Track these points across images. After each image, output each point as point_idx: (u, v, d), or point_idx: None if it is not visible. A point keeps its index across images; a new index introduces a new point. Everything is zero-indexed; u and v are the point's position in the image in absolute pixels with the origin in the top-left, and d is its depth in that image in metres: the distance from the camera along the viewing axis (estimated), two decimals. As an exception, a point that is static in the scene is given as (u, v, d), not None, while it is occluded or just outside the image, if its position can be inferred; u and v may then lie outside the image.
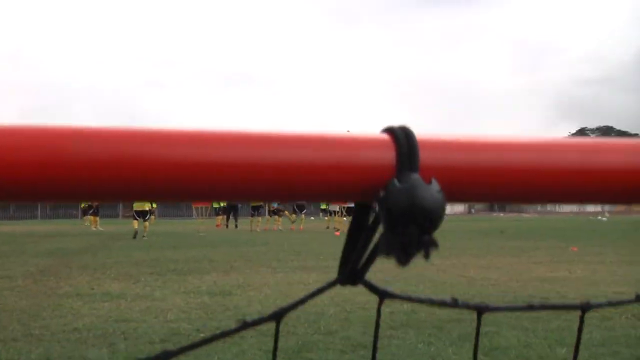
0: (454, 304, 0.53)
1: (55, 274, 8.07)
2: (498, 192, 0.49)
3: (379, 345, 0.57)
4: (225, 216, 25.73)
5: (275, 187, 0.44)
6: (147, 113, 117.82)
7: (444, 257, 10.19)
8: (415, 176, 0.44)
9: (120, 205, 48.67)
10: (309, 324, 5.05)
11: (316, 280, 7.30)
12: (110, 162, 0.41)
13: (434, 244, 0.45)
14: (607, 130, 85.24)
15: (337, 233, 19.10)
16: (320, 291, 0.52)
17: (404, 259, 0.45)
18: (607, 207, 56.84)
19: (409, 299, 0.54)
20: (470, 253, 11.18)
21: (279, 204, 22.55)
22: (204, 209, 20.89)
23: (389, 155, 0.45)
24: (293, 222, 22.72)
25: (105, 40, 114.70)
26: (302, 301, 0.52)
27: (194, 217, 28.64)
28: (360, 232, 0.48)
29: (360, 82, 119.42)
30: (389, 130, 0.46)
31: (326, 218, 25.75)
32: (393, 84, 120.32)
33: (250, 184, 0.44)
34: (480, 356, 4.37)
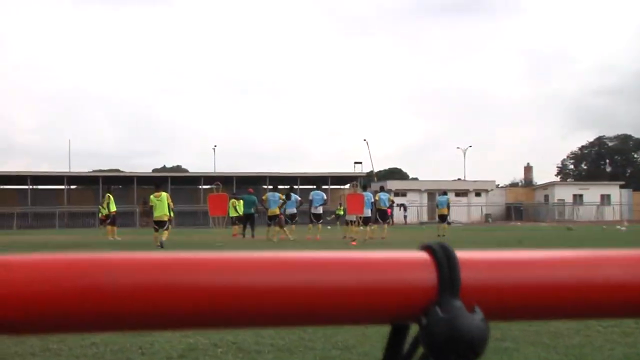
0: None
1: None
2: (542, 309, 0.47)
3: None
4: (242, 225, 25.80)
5: (315, 310, 0.43)
6: (161, 121, 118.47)
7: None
8: (458, 304, 0.43)
9: (138, 215, 49.00)
10: (326, 339, 5.02)
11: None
12: (143, 290, 0.41)
13: None
14: (625, 139, 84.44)
15: (354, 243, 19.08)
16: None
17: None
18: (625, 216, 56.37)
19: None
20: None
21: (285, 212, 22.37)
22: (220, 219, 20.96)
23: (430, 277, 0.43)
24: (290, 235, 22.16)
25: (119, 48, 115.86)
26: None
27: (210, 226, 28.71)
28: (397, 354, 0.47)
29: (372, 90, 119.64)
30: (428, 248, 0.45)
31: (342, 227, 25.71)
32: (405, 92, 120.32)
33: (291, 308, 0.43)
34: (499, 373, 4.33)
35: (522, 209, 59.61)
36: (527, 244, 18.19)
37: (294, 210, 22.56)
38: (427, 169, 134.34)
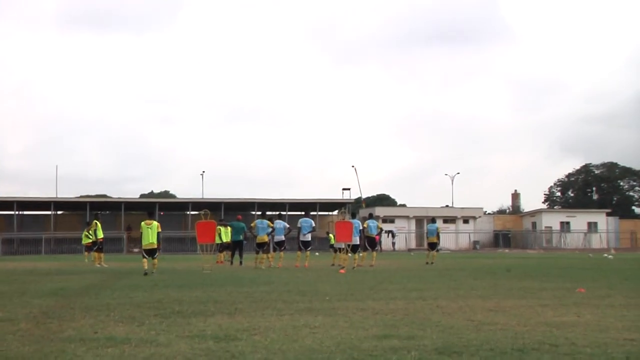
0: None
1: (58, 317, 8.00)
2: None
3: None
4: (229, 252, 25.65)
5: None
6: (149, 147, 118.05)
7: (449, 299, 10.10)
8: None
9: (125, 241, 48.66)
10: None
11: (323, 323, 7.21)
12: None
13: None
14: (611, 166, 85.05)
15: (343, 270, 18.99)
16: None
17: None
18: (612, 244, 56.58)
19: None
20: (477, 294, 11.07)
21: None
22: (208, 246, 20.86)
23: None
24: (273, 261, 22.55)
25: (111, 75, 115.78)
26: None
27: (198, 252, 28.50)
28: None
29: (364, 118, 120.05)
30: None
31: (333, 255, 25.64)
32: (394, 120, 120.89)
33: None
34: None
35: (509, 236, 59.76)
36: (515, 272, 18.16)
37: (282, 238, 22.50)
38: (415, 196, 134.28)
